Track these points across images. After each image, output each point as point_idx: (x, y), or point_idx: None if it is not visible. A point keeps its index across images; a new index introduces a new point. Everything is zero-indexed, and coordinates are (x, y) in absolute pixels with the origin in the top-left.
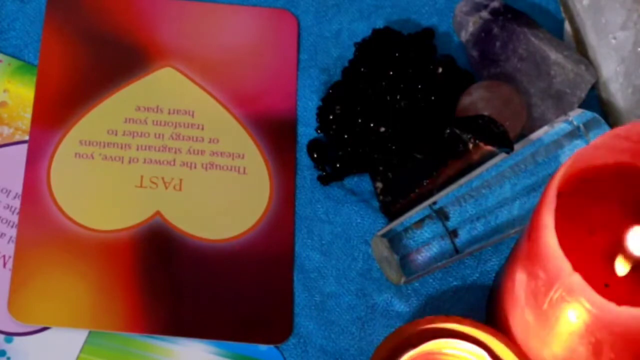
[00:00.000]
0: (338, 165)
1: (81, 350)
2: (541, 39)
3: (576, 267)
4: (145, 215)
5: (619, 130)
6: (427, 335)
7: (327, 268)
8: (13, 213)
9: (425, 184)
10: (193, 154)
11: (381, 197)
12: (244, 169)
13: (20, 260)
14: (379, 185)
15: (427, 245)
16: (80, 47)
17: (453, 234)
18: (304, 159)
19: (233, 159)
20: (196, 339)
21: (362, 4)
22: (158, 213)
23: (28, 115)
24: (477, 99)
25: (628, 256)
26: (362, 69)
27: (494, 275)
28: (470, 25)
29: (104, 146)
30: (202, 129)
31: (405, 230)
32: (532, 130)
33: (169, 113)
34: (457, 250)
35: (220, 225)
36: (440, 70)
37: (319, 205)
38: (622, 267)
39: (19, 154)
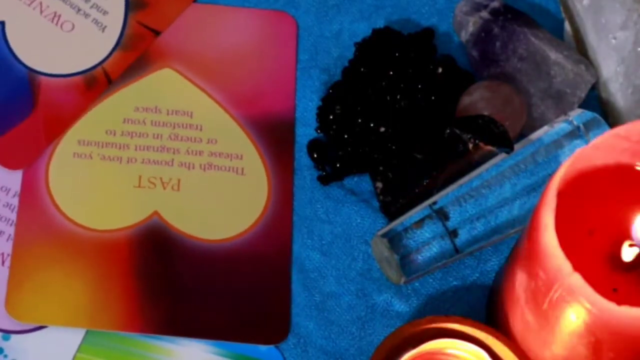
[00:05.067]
0: (338, 165)
1: (78, 349)
2: (541, 39)
3: (576, 267)
4: (143, 215)
5: (619, 130)
6: (427, 335)
7: (327, 268)
8: (12, 211)
9: (425, 184)
10: (191, 154)
11: (381, 197)
12: (242, 169)
13: (18, 258)
14: (379, 185)
15: (427, 245)
16: None
17: (453, 234)
18: (303, 159)
19: (231, 159)
20: (195, 339)
21: (362, 4)
22: (156, 213)
23: None
24: (477, 99)
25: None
26: (362, 69)
27: (494, 275)
28: (470, 25)
29: (103, 146)
30: (201, 129)
31: (405, 230)
32: (532, 130)
33: (168, 113)
34: (457, 250)
35: (218, 225)
36: (440, 70)
37: (319, 205)
38: (629, 254)
39: None
